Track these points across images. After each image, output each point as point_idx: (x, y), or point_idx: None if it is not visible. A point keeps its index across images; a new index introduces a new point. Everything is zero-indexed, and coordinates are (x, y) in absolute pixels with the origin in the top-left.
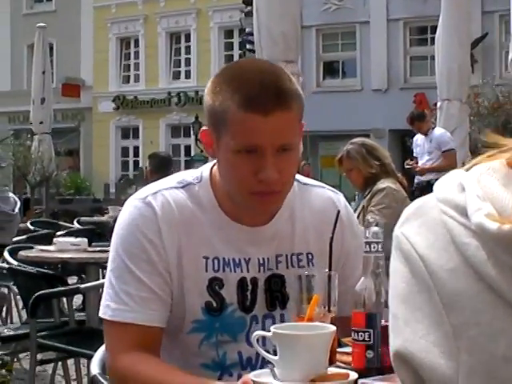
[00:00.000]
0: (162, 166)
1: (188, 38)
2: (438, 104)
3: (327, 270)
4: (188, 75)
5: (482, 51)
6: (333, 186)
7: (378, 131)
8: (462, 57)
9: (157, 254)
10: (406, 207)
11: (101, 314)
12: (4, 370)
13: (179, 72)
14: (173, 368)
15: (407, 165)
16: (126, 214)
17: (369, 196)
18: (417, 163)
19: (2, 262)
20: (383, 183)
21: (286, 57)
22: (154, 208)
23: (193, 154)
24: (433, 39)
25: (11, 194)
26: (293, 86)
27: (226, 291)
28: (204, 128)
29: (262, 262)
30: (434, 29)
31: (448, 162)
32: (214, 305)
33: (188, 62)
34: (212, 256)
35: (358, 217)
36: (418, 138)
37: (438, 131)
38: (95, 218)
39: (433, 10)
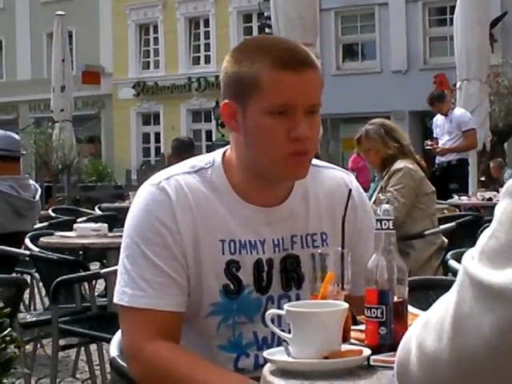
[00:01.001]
0: (183, 150)
1: (207, 23)
2: (458, 84)
3: (340, 248)
4: (208, 60)
5: (502, 30)
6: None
7: (399, 113)
8: (480, 36)
9: (172, 239)
10: (424, 187)
11: (117, 301)
12: (12, 346)
13: (199, 57)
14: (202, 360)
15: (427, 145)
16: (139, 200)
17: (386, 176)
18: (437, 144)
19: (24, 249)
20: (400, 163)
21: (304, 40)
22: (168, 193)
23: (214, 138)
24: (452, 19)
25: (32, 182)
26: None
27: (243, 273)
28: (225, 101)
29: (276, 242)
30: (453, 9)
31: (468, 141)
32: (232, 287)
33: (207, 47)
34: (228, 239)
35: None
36: (438, 119)
37: (458, 111)
38: (116, 204)
39: None
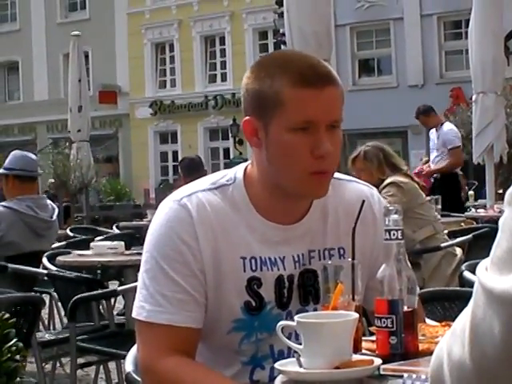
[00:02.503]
0: (192, 169)
1: (223, 40)
2: (474, 97)
3: (350, 259)
4: (224, 78)
5: None
6: None
7: (416, 127)
8: (495, 49)
9: (192, 256)
10: (416, 197)
11: (135, 315)
12: (18, 356)
13: (215, 75)
14: (212, 373)
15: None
16: (160, 216)
17: None
18: (428, 159)
19: (42, 269)
20: (390, 178)
21: (319, 56)
22: (190, 210)
23: (232, 156)
24: (467, 33)
25: (49, 201)
26: None
27: (265, 290)
28: (246, 118)
29: (296, 259)
30: (468, 22)
31: (453, 160)
32: (254, 304)
33: (223, 64)
34: (249, 256)
35: None
36: (433, 132)
37: (446, 127)
38: (134, 223)
39: (466, 4)
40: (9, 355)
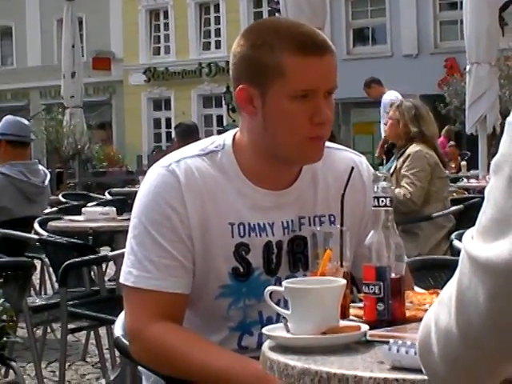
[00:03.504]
0: (187, 135)
1: (217, 8)
2: (467, 67)
3: (339, 226)
4: (218, 45)
5: None
6: (365, 152)
7: (409, 97)
8: (490, 19)
9: (179, 221)
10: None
11: (122, 281)
12: (5, 316)
13: (209, 43)
14: (201, 339)
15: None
16: (149, 182)
17: (402, 158)
18: None
19: (33, 234)
20: (415, 147)
21: (313, 24)
22: (178, 176)
23: (225, 123)
24: (462, 3)
25: (41, 167)
26: None
27: (253, 256)
28: (241, 86)
29: (285, 225)
30: None
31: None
32: (241, 270)
33: (218, 32)
34: (237, 222)
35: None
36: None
37: (386, 96)
38: (126, 189)
39: None
40: None
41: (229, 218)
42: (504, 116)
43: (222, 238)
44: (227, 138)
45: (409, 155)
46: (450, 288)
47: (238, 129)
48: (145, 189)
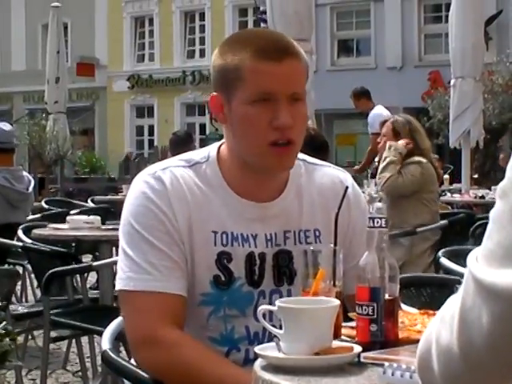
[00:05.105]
0: (178, 146)
1: (202, 16)
2: (452, 81)
3: (332, 245)
4: (202, 54)
5: (497, 29)
6: (348, 164)
7: (393, 109)
8: (475, 34)
9: (171, 225)
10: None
11: (121, 287)
12: (8, 339)
13: (194, 51)
14: (221, 357)
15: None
16: (136, 189)
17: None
18: None
19: (17, 241)
20: (415, 158)
21: (300, 35)
22: (164, 182)
23: (207, 132)
24: (447, 17)
25: (25, 173)
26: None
27: (235, 265)
28: (213, 94)
29: (269, 237)
30: (448, 6)
31: (372, 146)
32: (223, 278)
33: (202, 40)
34: (220, 230)
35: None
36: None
37: (374, 111)
38: (109, 197)
39: None
40: None
41: (212, 226)
42: (487, 131)
43: (204, 245)
44: (212, 149)
45: (407, 162)
46: (453, 306)
47: (223, 140)
48: (133, 196)
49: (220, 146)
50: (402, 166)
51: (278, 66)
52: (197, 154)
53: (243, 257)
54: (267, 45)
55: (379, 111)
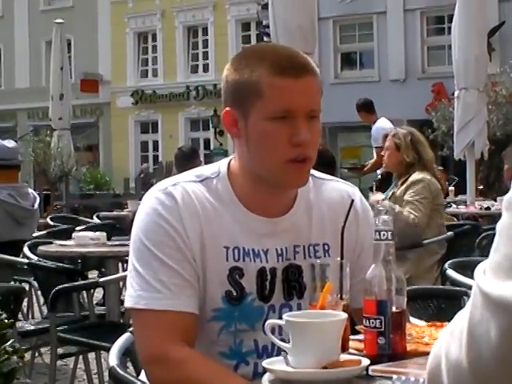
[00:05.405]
0: (185, 161)
1: (205, 31)
2: (456, 93)
3: (339, 259)
4: (206, 69)
5: (500, 40)
6: (352, 177)
7: (397, 122)
8: (478, 45)
9: (182, 242)
10: (438, 199)
11: (131, 305)
12: (15, 357)
13: (197, 66)
14: (231, 372)
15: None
16: (147, 205)
17: (404, 186)
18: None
19: (22, 258)
20: (419, 175)
21: (303, 49)
22: (175, 198)
23: (212, 147)
24: (450, 28)
25: (30, 190)
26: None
27: (246, 280)
28: (226, 109)
29: (280, 252)
30: (450, 18)
31: (377, 159)
32: (234, 294)
33: (206, 55)
34: (232, 246)
35: None
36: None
37: (377, 124)
38: (114, 213)
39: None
40: (6, 356)
41: (224, 241)
42: (491, 142)
43: (216, 260)
44: (222, 164)
45: (413, 182)
46: (462, 321)
47: (233, 155)
48: (144, 212)
49: (230, 160)
50: (408, 188)
51: (297, 82)
52: (207, 169)
53: (255, 272)
54: (286, 61)
55: (382, 124)
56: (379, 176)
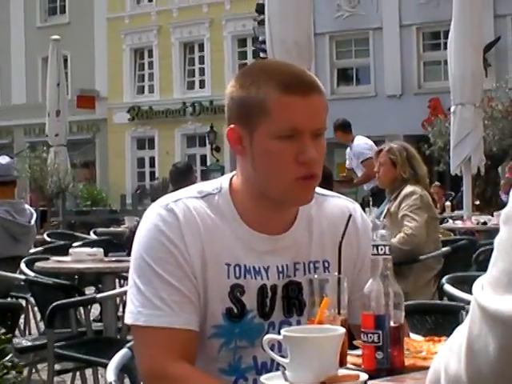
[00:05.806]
0: (180, 177)
1: (202, 47)
2: (452, 108)
3: (336, 274)
4: (202, 85)
5: (495, 55)
6: (349, 192)
7: (393, 137)
8: (474, 61)
9: (183, 258)
10: (430, 212)
11: (131, 322)
12: (14, 372)
13: (193, 82)
14: None
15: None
16: (148, 221)
17: (397, 202)
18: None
19: (19, 274)
20: (410, 188)
21: (300, 65)
22: (177, 214)
23: (209, 163)
24: (446, 44)
25: (27, 206)
26: None
27: (247, 298)
28: (231, 126)
29: (280, 269)
30: (446, 33)
31: (368, 171)
32: (235, 311)
33: (202, 71)
34: (234, 263)
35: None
36: (347, 150)
37: (357, 141)
38: (111, 229)
39: (445, 15)
40: (4, 371)
41: (225, 258)
42: (488, 157)
43: (218, 277)
44: (224, 181)
45: (405, 195)
46: (461, 336)
47: (235, 172)
48: (144, 228)
49: (232, 177)
50: (401, 202)
51: (304, 100)
52: (209, 185)
53: (255, 289)
54: (293, 79)
55: (362, 141)
56: (370, 192)
